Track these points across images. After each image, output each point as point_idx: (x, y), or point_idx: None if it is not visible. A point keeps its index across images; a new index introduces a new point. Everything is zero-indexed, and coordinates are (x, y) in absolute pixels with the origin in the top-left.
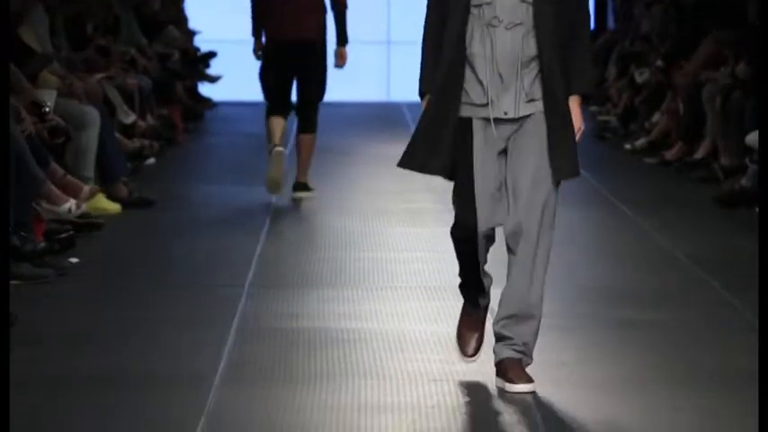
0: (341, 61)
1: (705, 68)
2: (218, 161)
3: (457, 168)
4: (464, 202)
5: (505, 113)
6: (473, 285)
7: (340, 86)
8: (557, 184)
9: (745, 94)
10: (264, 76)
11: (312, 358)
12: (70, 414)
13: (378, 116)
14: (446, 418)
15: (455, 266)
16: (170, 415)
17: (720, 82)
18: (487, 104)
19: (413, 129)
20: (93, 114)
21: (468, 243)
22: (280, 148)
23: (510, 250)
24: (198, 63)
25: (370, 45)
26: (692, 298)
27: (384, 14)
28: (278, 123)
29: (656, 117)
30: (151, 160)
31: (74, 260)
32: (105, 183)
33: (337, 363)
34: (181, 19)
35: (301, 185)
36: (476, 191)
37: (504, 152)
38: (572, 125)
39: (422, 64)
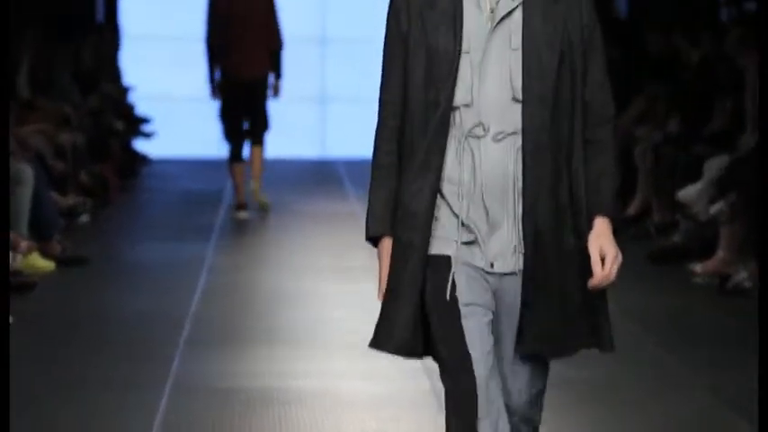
0: (276, 92)
1: (637, 124)
2: (152, 218)
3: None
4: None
5: (491, 265)
6: None
7: (275, 143)
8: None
9: (676, 150)
10: (225, 117)
11: (248, 419)
12: None
13: (312, 173)
14: None
15: None
16: None
17: (652, 138)
18: (473, 243)
19: (348, 185)
20: (27, 172)
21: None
22: (245, 215)
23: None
24: (132, 122)
25: (305, 101)
26: (625, 355)
27: (318, 70)
28: (240, 172)
29: None
30: (85, 217)
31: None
32: (39, 240)
33: (275, 423)
34: (115, 75)
35: (261, 203)
36: (469, 347)
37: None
38: (570, 281)
39: (372, 194)
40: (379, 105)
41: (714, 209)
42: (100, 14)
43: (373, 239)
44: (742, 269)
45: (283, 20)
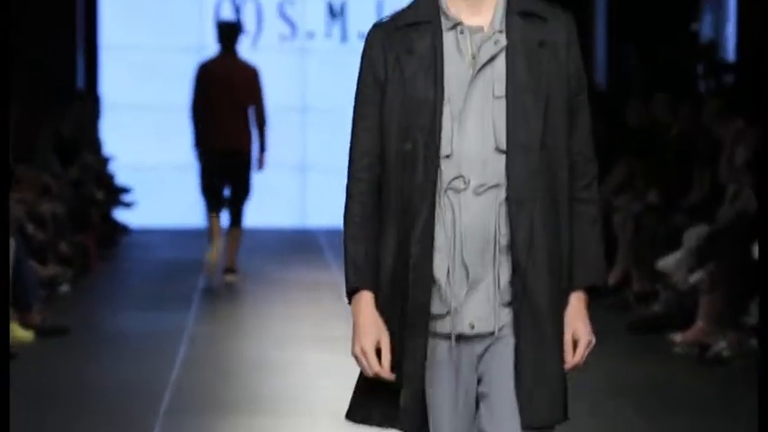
0: (261, 165)
1: (616, 195)
2: (132, 288)
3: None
4: None
5: (472, 326)
6: None
7: (255, 212)
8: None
9: (656, 220)
10: (204, 180)
11: None
12: None
13: (292, 242)
14: None
15: None
16: None
17: (632, 208)
18: (447, 314)
19: (328, 255)
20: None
21: None
22: (233, 278)
23: None
24: (113, 192)
25: (285, 170)
26: (606, 424)
27: (299, 139)
28: (215, 223)
29: None
30: (65, 287)
31: None
32: (18, 310)
33: None
34: (95, 144)
35: (230, 270)
36: None
37: (475, 382)
38: (560, 342)
39: (349, 247)
40: (350, 159)
41: (693, 278)
42: (80, 82)
43: (351, 293)
44: (721, 339)
45: (264, 88)
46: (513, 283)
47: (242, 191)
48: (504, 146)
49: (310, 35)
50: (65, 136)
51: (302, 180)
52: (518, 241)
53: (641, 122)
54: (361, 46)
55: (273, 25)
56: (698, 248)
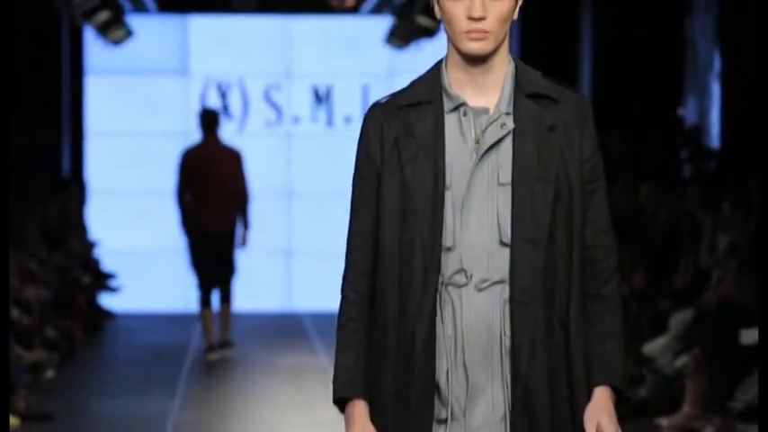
0: (243, 242)
1: None
2: (117, 373)
3: None
4: None
5: None
6: None
7: (240, 296)
8: None
9: (642, 305)
10: (195, 267)
11: None
12: None
13: (279, 326)
14: None
15: None
16: None
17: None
18: (446, 421)
19: (314, 339)
20: None
21: None
22: (215, 357)
23: None
24: (98, 277)
25: (271, 254)
26: None
27: (284, 223)
28: (209, 317)
29: None
30: (50, 372)
31: None
32: None
33: None
34: (80, 230)
35: (225, 344)
36: None
37: None
38: None
39: (339, 351)
40: (347, 249)
41: (679, 363)
42: (66, 169)
43: (341, 402)
44: (708, 424)
45: (249, 172)
46: (512, 390)
47: (228, 270)
48: (508, 239)
49: (296, 120)
50: (51, 222)
51: (288, 264)
52: (519, 345)
53: (627, 207)
54: (346, 130)
55: (259, 110)
56: (683, 333)
